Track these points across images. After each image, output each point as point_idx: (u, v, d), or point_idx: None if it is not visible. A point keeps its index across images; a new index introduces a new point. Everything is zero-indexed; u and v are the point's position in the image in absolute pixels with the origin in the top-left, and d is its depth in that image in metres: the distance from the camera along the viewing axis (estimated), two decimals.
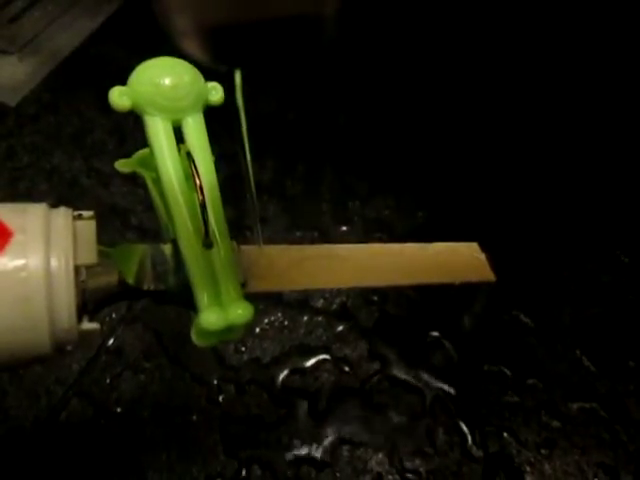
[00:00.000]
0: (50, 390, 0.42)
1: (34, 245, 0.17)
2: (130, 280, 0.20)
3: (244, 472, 0.39)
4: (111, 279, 0.20)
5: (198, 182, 0.20)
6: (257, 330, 0.45)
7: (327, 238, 0.50)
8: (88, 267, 0.18)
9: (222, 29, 0.15)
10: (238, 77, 0.18)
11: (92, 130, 0.57)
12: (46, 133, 0.56)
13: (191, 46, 0.16)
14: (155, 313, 0.45)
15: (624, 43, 0.62)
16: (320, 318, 0.46)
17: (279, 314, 0.46)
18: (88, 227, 0.19)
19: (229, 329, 0.20)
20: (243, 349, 0.44)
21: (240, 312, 0.20)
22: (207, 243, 0.20)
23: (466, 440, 0.41)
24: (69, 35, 0.64)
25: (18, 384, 0.42)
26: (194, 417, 0.41)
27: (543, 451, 0.41)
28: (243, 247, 0.24)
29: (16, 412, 0.41)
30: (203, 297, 0.20)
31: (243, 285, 0.22)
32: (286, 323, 0.46)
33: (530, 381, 0.44)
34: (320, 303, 0.47)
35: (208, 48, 0.16)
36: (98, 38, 0.64)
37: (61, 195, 0.52)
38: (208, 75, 0.22)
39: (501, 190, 0.54)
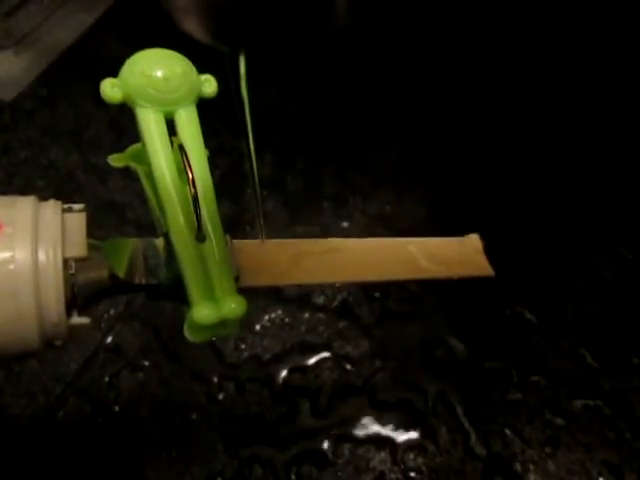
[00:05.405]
0: (48, 388, 0.41)
1: (22, 237, 0.17)
2: (121, 274, 0.20)
3: (245, 471, 0.39)
4: (102, 273, 0.19)
5: (190, 175, 0.19)
6: (257, 327, 0.45)
7: (328, 234, 0.50)
8: (78, 260, 0.18)
9: (224, 6, 0.15)
10: (242, 66, 0.17)
11: (89, 125, 0.56)
12: (42, 128, 0.56)
13: (192, 24, 0.15)
14: (154, 310, 0.45)
15: (624, 43, 0.61)
16: (321, 315, 0.46)
17: (279, 311, 0.46)
18: (78, 220, 0.19)
19: (222, 324, 0.20)
20: (243, 346, 0.44)
21: (233, 306, 0.20)
22: (200, 237, 0.20)
23: (469, 438, 0.41)
24: (66, 29, 0.63)
25: (15, 382, 0.42)
26: (194, 415, 0.41)
27: (547, 449, 0.40)
28: (240, 241, 0.24)
29: (13, 411, 0.41)
30: (195, 291, 0.20)
31: (237, 279, 0.22)
32: (287, 320, 0.45)
33: (534, 378, 0.43)
34: (321, 300, 0.47)
35: (209, 26, 0.15)
36: (95, 32, 0.63)
37: (58, 190, 0.52)
38: (204, 67, 0.22)
39: (503, 186, 0.53)
